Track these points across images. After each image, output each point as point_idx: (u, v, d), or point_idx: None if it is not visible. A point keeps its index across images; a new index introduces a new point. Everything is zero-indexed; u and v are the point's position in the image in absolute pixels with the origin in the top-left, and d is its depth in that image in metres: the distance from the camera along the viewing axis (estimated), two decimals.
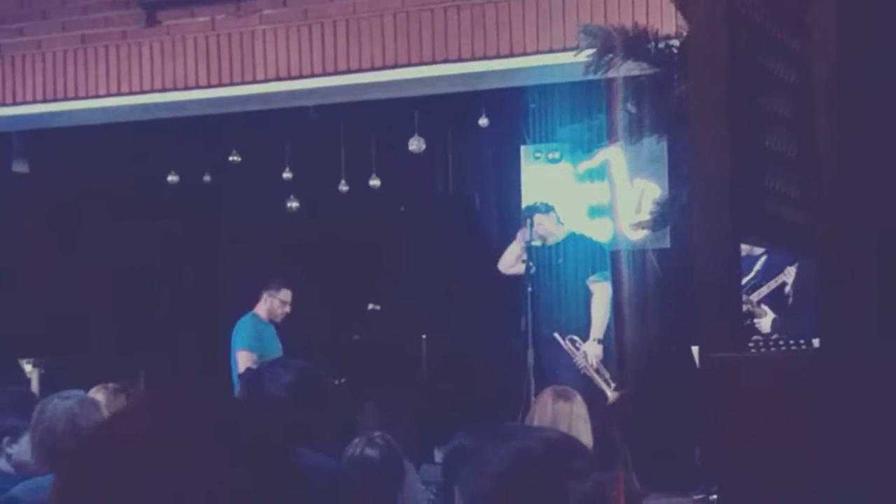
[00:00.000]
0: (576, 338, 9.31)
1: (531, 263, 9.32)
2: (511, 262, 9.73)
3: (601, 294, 9.54)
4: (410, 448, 5.75)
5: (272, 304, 10.33)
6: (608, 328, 9.62)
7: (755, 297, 8.78)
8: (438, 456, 10.40)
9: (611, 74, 3.98)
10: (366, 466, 4.98)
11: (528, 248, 9.44)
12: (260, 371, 3.95)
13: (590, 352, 9.33)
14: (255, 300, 10.38)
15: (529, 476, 1.94)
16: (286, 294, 10.38)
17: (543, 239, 9.54)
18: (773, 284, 8.55)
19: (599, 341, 9.37)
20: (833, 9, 2.03)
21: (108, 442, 1.32)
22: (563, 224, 9.76)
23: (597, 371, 9.31)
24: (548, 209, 9.68)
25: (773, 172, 2.37)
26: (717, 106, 2.09)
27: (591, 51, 3.94)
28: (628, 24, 3.83)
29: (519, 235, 9.65)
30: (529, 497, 1.93)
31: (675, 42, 3.67)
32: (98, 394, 6.50)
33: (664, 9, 7.59)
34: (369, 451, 5.07)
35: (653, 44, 3.78)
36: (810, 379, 2.06)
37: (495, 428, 2.42)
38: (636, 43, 3.77)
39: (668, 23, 4.10)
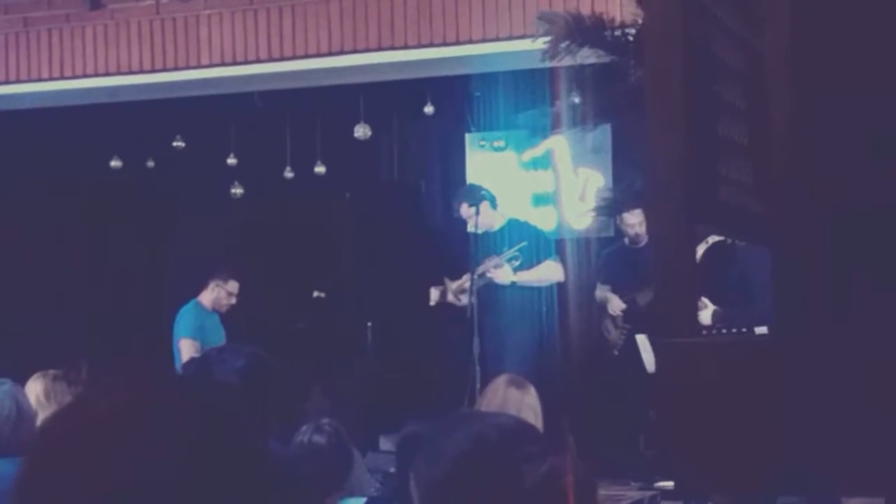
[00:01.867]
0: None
1: (471, 250, 9.29)
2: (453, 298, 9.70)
3: (552, 267, 9.52)
4: (356, 436, 5.76)
5: (219, 294, 10.27)
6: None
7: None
8: (384, 444, 10.44)
9: (566, 61, 3.98)
10: (314, 453, 4.98)
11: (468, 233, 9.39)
12: (208, 357, 3.93)
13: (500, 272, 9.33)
14: (201, 287, 10.31)
15: (484, 461, 1.95)
16: (234, 286, 10.33)
17: (482, 228, 9.47)
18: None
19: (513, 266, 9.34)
20: None
21: (75, 423, 1.32)
22: (497, 210, 9.68)
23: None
24: (476, 199, 9.57)
25: (726, 160, 2.39)
26: (671, 93, 2.09)
27: (547, 37, 3.94)
28: (584, 12, 3.84)
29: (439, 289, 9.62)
30: (485, 482, 1.93)
31: (631, 30, 3.69)
32: (38, 381, 6.44)
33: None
34: (317, 438, 5.08)
35: (609, 31, 3.79)
36: (764, 365, 2.08)
37: (449, 415, 2.41)
38: (593, 30, 3.78)
39: (622, 10, 4.11)
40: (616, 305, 9.56)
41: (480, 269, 9.27)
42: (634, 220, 9.37)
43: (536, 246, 9.59)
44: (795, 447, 2.01)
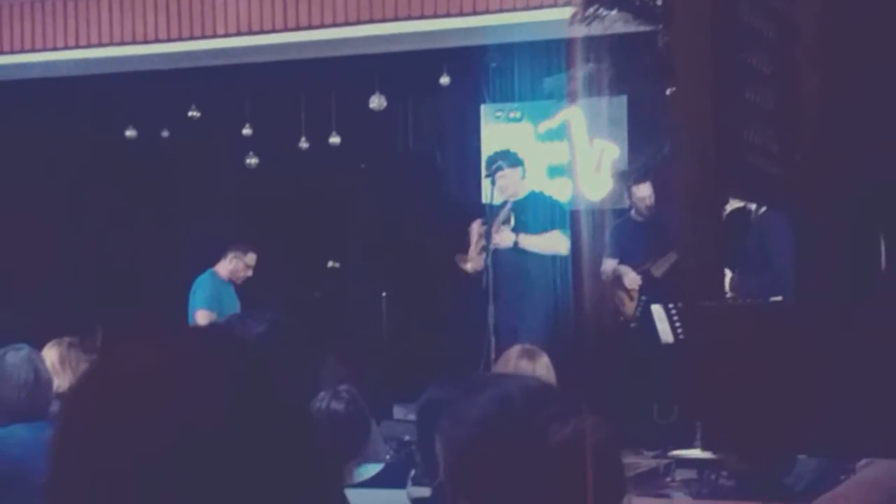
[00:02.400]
0: None
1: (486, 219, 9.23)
2: (477, 257, 9.46)
3: (558, 239, 9.40)
4: (371, 404, 5.77)
5: (237, 265, 10.27)
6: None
7: None
8: (398, 412, 10.47)
9: (595, 26, 3.98)
10: (332, 420, 4.99)
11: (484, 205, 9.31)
12: (230, 323, 3.94)
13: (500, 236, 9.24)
14: (216, 257, 10.31)
15: (509, 422, 1.96)
16: (252, 258, 10.32)
17: (506, 195, 9.39)
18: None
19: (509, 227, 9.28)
20: None
21: (111, 378, 1.30)
22: (525, 181, 9.62)
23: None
24: (515, 163, 9.41)
25: (753, 126, 2.39)
26: (700, 57, 2.09)
27: (575, 2, 3.95)
28: None
29: (474, 227, 9.48)
30: (510, 443, 1.94)
31: None
32: (53, 348, 6.46)
33: None
34: (335, 405, 5.08)
35: None
36: (789, 329, 2.08)
37: (472, 378, 2.42)
38: None
39: None
40: (632, 279, 9.55)
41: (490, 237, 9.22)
42: (644, 193, 9.36)
43: (551, 217, 9.52)
44: (818, 410, 2.02)
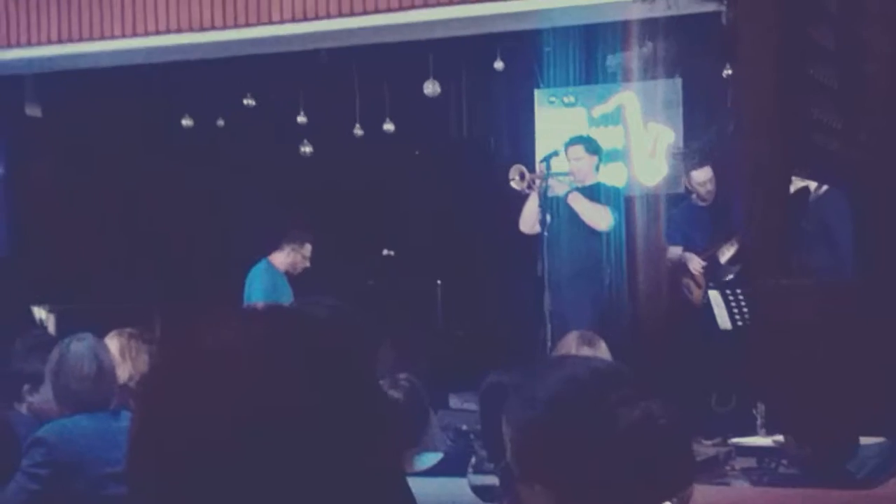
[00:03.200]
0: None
1: (547, 213, 9.19)
2: (532, 220, 9.39)
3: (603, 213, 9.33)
4: (427, 393, 5.76)
5: (294, 258, 10.29)
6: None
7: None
8: (454, 401, 10.46)
9: (659, 6, 3.95)
10: (391, 408, 4.98)
11: (545, 194, 9.27)
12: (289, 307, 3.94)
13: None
14: (273, 247, 10.33)
15: (578, 403, 1.95)
16: (308, 249, 10.35)
17: (576, 179, 9.32)
18: None
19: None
20: None
21: (191, 355, 1.29)
22: (596, 174, 9.53)
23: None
24: (595, 151, 9.39)
25: (817, 103, 2.36)
26: (765, 35, 2.07)
27: None
28: None
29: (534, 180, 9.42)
30: (578, 424, 1.94)
31: None
32: (114, 339, 6.50)
33: None
34: (395, 393, 5.07)
35: None
36: (855, 307, 2.06)
37: (538, 361, 2.41)
38: None
39: None
40: (697, 264, 9.46)
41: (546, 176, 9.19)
42: (704, 178, 9.27)
43: (606, 198, 9.43)
44: (884, 391, 1.99)
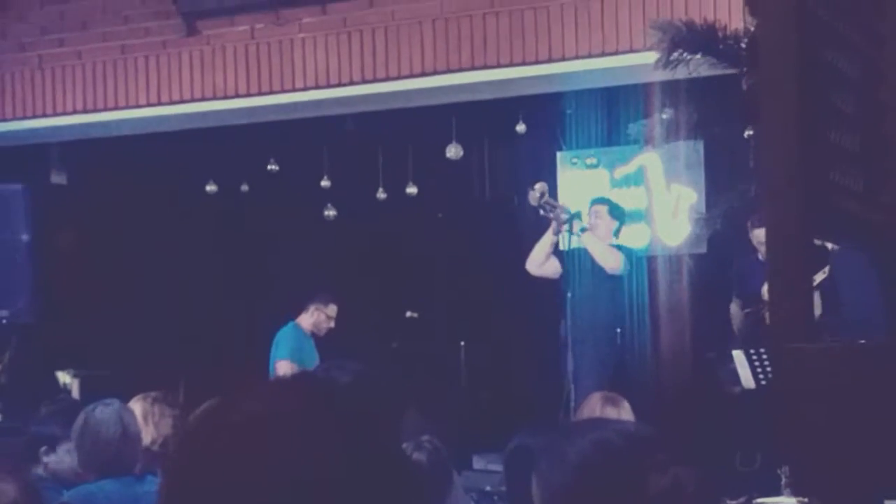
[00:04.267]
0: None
1: (564, 265, 9.23)
2: (541, 259, 9.48)
3: (616, 256, 9.35)
4: (451, 455, 5.77)
5: (318, 318, 10.33)
6: None
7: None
8: (478, 462, 10.45)
9: (679, 70, 3.99)
10: (416, 471, 4.99)
11: (561, 251, 9.31)
12: (316, 374, 3.97)
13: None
14: (299, 310, 10.37)
15: (609, 468, 1.96)
16: (333, 309, 10.38)
17: (592, 233, 9.36)
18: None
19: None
20: None
21: (221, 426, 1.32)
22: (615, 238, 9.60)
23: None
24: (617, 215, 9.55)
25: (838, 167, 2.39)
26: (786, 100, 2.10)
27: (660, 46, 3.96)
28: (698, 20, 3.86)
29: (550, 230, 9.46)
30: (609, 489, 1.95)
31: (743, 38, 3.69)
32: (137, 403, 6.53)
33: (715, 7, 7.60)
34: (418, 456, 5.08)
35: (721, 39, 3.80)
36: (881, 371, 2.07)
37: (569, 423, 2.43)
38: (705, 38, 3.79)
39: (731, 19, 4.13)
40: (737, 317, 9.44)
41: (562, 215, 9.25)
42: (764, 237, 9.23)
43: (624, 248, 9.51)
44: None
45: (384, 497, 1.29)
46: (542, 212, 9.39)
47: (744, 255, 9.74)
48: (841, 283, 7.59)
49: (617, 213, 9.53)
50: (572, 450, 2.01)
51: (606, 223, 9.40)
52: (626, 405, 5.72)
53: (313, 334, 10.35)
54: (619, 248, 9.51)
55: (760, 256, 9.50)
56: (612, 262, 9.23)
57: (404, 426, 6.76)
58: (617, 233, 9.53)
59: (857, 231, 2.55)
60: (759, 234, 9.28)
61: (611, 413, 5.58)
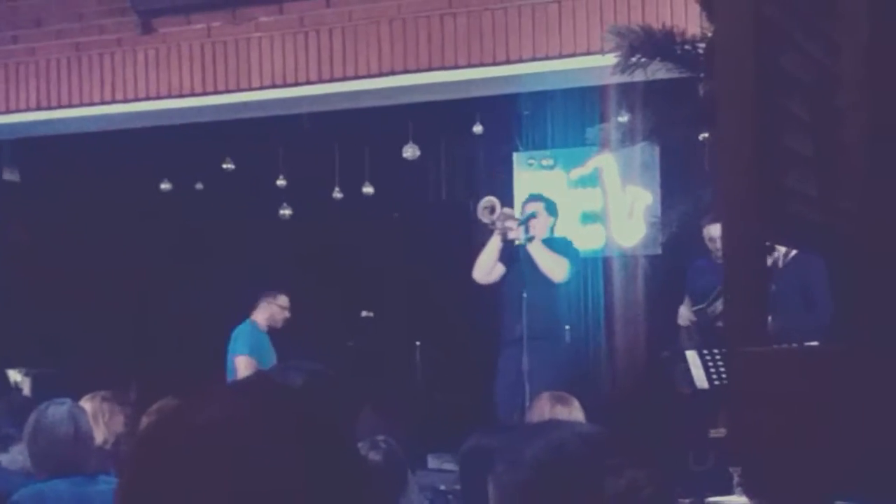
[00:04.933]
0: None
1: (521, 264, 9.20)
2: (489, 266, 9.39)
3: (562, 265, 9.29)
4: (406, 454, 5.78)
5: (272, 310, 10.32)
6: None
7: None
8: (432, 462, 10.45)
9: (637, 75, 4.01)
10: (370, 471, 4.99)
11: (518, 248, 9.24)
12: (270, 374, 3.96)
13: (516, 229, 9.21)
14: (252, 308, 10.36)
15: (565, 470, 1.97)
16: (284, 300, 10.39)
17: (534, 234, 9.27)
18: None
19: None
20: (863, 9, 2.07)
21: (180, 429, 1.32)
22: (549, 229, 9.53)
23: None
24: (553, 213, 9.46)
25: (793, 172, 2.41)
26: (742, 105, 2.12)
27: (617, 50, 3.98)
28: (656, 25, 3.89)
29: (495, 235, 9.39)
30: (564, 491, 1.95)
31: (701, 44, 3.72)
32: (87, 402, 6.50)
33: (672, 12, 7.64)
34: (374, 456, 5.08)
35: (679, 45, 3.82)
36: (837, 375, 2.09)
37: (526, 424, 2.44)
38: (663, 43, 3.81)
39: (689, 24, 4.16)
40: (684, 316, 9.48)
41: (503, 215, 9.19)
42: (714, 234, 9.22)
43: (565, 252, 9.42)
44: (866, 455, 2.02)
45: (340, 498, 1.30)
46: (494, 226, 9.31)
47: (697, 257, 9.77)
48: (816, 285, 7.66)
49: (553, 210, 9.48)
50: (528, 451, 2.01)
51: (543, 220, 9.35)
52: (575, 404, 5.74)
53: (271, 329, 10.32)
54: (566, 247, 9.43)
55: (713, 255, 9.52)
56: (557, 274, 9.17)
57: (360, 426, 6.77)
58: (552, 230, 9.46)
59: (812, 236, 2.57)
60: (710, 230, 9.29)
61: (561, 412, 5.60)
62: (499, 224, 9.22)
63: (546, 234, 9.37)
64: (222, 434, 1.29)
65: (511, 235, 9.20)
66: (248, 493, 1.25)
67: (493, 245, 9.33)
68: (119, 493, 1.33)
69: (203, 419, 1.31)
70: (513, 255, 9.23)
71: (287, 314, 10.39)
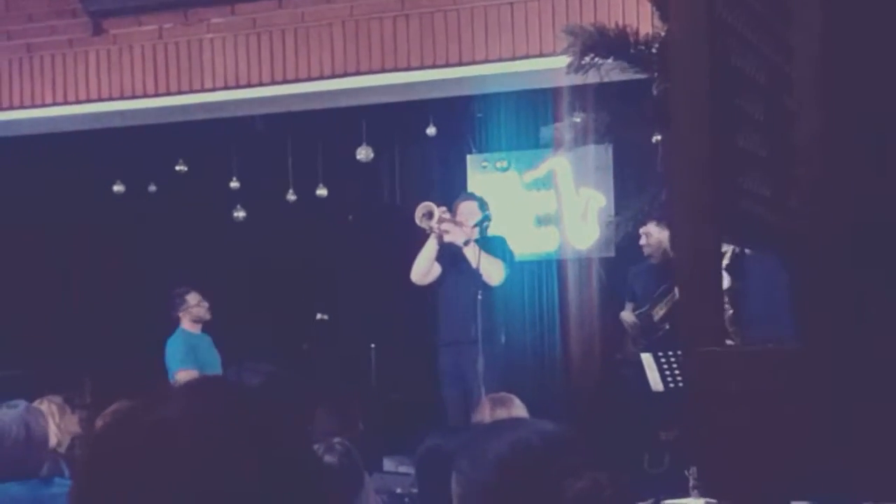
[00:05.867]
0: None
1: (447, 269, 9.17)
2: (426, 268, 9.35)
3: (499, 268, 9.22)
4: (362, 457, 5.77)
5: (190, 313, 10.18)
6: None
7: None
8: (388, 464, 10.43)
9: (591, 75, 4.02)
10: (326, 473, 4.98)
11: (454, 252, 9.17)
12: (225, 375, 3.95)
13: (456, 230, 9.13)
14: (175, 316, 10.23)
15: (526, 469, 1.97)
16: (194, 296, 10.19)
17: (459, 237, 9.15)
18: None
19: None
20: (816, 12, 2.08)
21: (133, 429, 1.32)
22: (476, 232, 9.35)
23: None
24: (485, 208, 9.38)
25: (747, 172, 2.42)
26: (697, 105, 2.13)
27: (570, 51, 3.98)
28: (609, 25, 3.90)
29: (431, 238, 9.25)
30: (525, 490, 1.95)
31: (655, 44, 3.73)
32: (42, 405, 6.46)
33: (624, 12, 7.66)
34: (329, 458, 5.09)
35: (633, 45, 3.83)
36: (793, 375, 2.10)
37: (488, 423, 2.43)
38: (617, 43, 3.81)
39: (642, 24, 4.17)
40: (627, 319, 9.50)
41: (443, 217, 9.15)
42: (653, 233, 9.25)
43: (503, 255, 9.36)
44: (823, 454, 2.03)
45: (295, 498, 1.30)
46: (431, 230, 9.24)
47: (636, 261, 9.81)
48: (767, 282, 7.71)
49: (485, 209, 9.42)
50: (491, 449, 2.01)
51: (476, 219, 9.29)
52: (516, 403, 5.71)
53: (204, 326, 10.17)
54: (501, 247, 9.36)
55: (645, 253, 9.53)
56: (494, 277, 9.10)
57: (316, 428, 6.76)
58: (486, 228, 9.35)
59: (766, 236, 2.58)
60: (644, 232, 9.29)
61: (501, 414, 5.58)
62: (435, 227, 9.18)
63: (473, 233, 9.26)
64: (175, 433, 1.29)
65: (447, 238, 9.15)
66: (202, 492, 1.24)
67: (430, 247, 9.28)
68: (72, 493, 1.32)
69: (156, 418, 1.31)
70: (455, 256, 9.18)
71: (206, 304, 10.21)
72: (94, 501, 1.30)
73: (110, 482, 1.28)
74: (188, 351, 9.91)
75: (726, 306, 8.17)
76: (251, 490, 1.26)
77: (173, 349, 9.99)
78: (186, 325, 10.17)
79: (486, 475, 2.00)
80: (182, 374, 9.65)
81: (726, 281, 8.26)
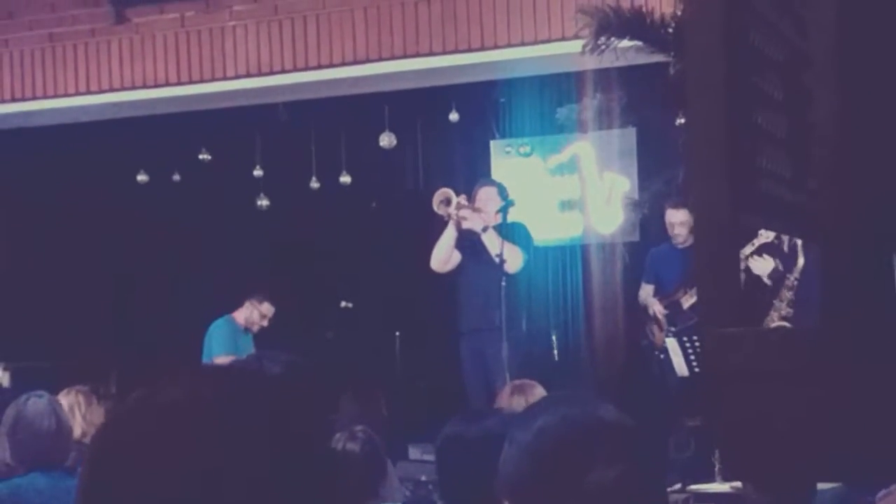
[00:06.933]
0: None
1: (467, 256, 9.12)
2: (446, 256, 9.30)
3: (517, 256, 9.13)
4: (386, 445, 5.77)
5: (253, 315, 10.19)
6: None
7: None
8: (413, 452, 10.42)
9: (607, 55, 3.98)
10: (348, 461, 4.98)
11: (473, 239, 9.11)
12: (246, 363, 3.94)
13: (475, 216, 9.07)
14: (232, 302, 10.25)
15: (566, 445, 1.97)
16: (267, 308, 10.22)
17: (480, 215, 9.09)
18: None
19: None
20: None
21: (141, 411, 1.31)
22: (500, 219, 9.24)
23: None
24: (505, 198, 9.25)
25: (766, 152, 2.39)
26: (713, 84, 2.10)
27: (586, 31, 3.95)
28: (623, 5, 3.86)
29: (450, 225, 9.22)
30: (561, 461, 1.96)
31: (671, 23, 3.69)
32: (67, 396, 6.47)
33: None
34: (351, 446, 5.08)
35: (649, 24, 3.80)
36: (812, 356, 2.07)
37: (540, 401, 2.42)
38: (632, 23, 3.78)
39: (661, 4, 4.14)
40: (658, 310, 9.47)
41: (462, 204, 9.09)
42: (678, 218, 9.17)
43: (525, 244, 9.28)
44: (847, 436, 2.00)
45: (310, 487, 1.28)
46: (450, 217, 9.19)
47: (657, 243, 9.75)
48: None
49: (505, 196, 9.35)
50: (538, 417, 2.02)
51: (495, 205, 9.21)
52: (536, 389, 5.66)
53: (246, 329, 10.25)
54: (521, 233, 9.29)
55: (674, 241, 9.48)
56: (512, 264, 9.02)
57: (340, 417, 6.76)
58: (506, 214, 9.27)
59: (785, 216, 2.55)
60: (670, 216, 9.25)
61: (517, 402, 5.52)
62: (454, 214, 9.13)
63: (496, 220, 9.20)
64: (183, 415, 1.27)
65: (465, 225, 9.10)
66: (209, 477, 1.23)
67: (449, 235, 9.23)
68: (82, 476, 1.31)
69: (166, 400, 1.29)
70: (475, 244, 9.13)
71: (265, 323, 10.24)
72: (102, 486, 1.29)
73: (118, 463, 1.28)
74: (232, 340, 9.98)
75: (788, 291, 8.13)
76: (259, 476, 1.24)
77: (217, 334, 10.06)
78: (238, 319, 10.20)
79: (530, 440, 2.00)
80: (220, 360, 9.71)
81: (800, 261, 8.26)
